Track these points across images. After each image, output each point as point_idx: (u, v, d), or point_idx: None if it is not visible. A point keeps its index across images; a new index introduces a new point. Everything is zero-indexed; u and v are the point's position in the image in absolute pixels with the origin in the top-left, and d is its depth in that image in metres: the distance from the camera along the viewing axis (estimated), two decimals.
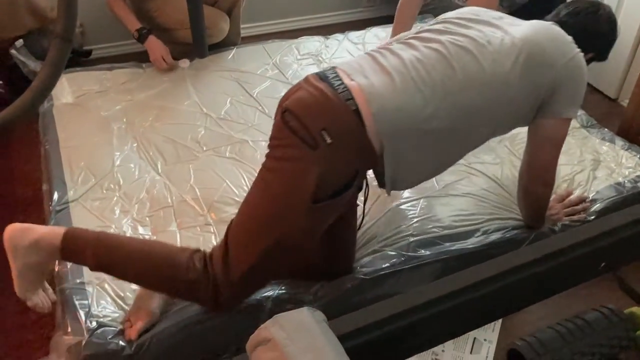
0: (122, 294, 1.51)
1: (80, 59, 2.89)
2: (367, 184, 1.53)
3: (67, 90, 2.37)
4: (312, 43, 2.78)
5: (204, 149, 2.07)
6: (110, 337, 1.39)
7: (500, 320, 1.73)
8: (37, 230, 1.34)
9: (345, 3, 3.57)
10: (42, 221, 1.82)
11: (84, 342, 1.37)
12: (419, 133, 1.33)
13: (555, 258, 1.31)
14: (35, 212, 2.02)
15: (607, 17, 1.68)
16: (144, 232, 1.71)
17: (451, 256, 1.67)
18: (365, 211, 1.64)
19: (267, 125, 2.19)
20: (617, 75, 2.86)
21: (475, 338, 1.67)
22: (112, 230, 1.70)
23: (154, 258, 1.37)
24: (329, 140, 1.26)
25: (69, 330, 1.41)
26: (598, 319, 1.51)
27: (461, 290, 1.22)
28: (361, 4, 3.61)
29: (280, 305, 1.49)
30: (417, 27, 2.91)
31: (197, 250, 1.38)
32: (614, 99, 2.90)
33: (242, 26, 2.92)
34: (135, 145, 2.07)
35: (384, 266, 1.61)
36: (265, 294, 1.51)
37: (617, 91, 2.90)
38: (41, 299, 1.41)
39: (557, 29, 1.51)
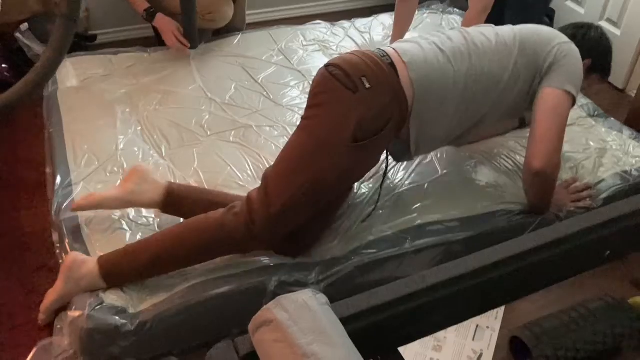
0: None
1: (85, 44, 2.87)
2: (387, 164, 1.67)
3: (71, 74, 2.37)
4: (318, 30, 2.76)
5: (208, 133, 2.07)
6: (112, 313, 1.40)
7: (503, 308, 1.72)
8: (85, 270, 1.46)
9: None
10: (46, 204, 1.83)
11: (85, 315, 1.38)
12: (442, 86, 1.54)
13: (560, 245, 1.31)
14: (40, 194, 2.02)
15: (595, 29, 1.89)
16: (147, 215, 1.72)
17: (455, 241, 1.67)
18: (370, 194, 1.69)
19: (271, 111, 2.19)
20: (625, 66, 2.83)
21: (477, 325, 1.67)
22: (117, 213, 1.70)
23: (187, 235, 1.48)
24: (367, 85, 1.45)
25: (74, 306, 1.43)
26: (601, 307, 1.50)
27: (464, 276, 1.21)
28: None
29: (283, 288, 1.49)
30: (422, 13, 2.91)
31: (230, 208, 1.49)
32: (621, 89, 2.88)
33: (247, 12, 2.90)
34: (139, 129, 2.07)
35: (387, 249, 1.62)
36: (268, 276, 1.52)
37: (625, 82, 2.87)
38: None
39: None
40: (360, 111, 1.44)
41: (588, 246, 1.34)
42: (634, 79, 2.83)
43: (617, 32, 2.84)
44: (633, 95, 2.78)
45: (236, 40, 2.64)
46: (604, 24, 2.91)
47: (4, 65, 2.58)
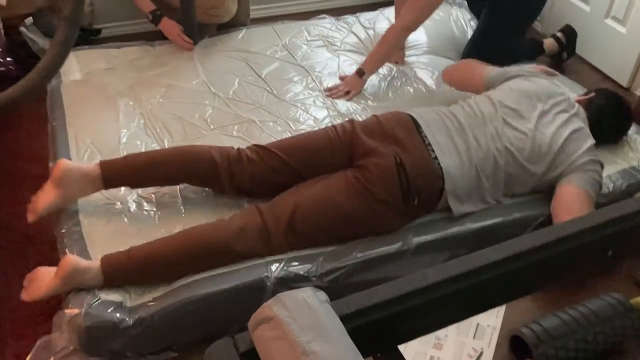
0: None
1: (89, 38, 2.87)
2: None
3: (75, 67, 2.37)
4: (322, 25, 2.76)
5: (212, 127, 2.07)
6: (109, 309, 1.41)
7: (504, 306, 1.72)
8: (87, 274, 1.47)
9: None
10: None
11: (82, 313, 1.38)
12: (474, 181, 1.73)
13: (562, 244, 1.30)
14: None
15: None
16: (149, 209, 1.72)
17: (455, 237, 1.68)
18: None
19: (275, 106, 2.19)
20: (630, 64, 2.82)
21: (478, 323, 1.67)
22: (117, 206, 1.71)
23: (195, 250, 1.52)
24: (416, 203, 1.65)
25: (70, 304, 1.43)
26: (603, 307, 1.50)
27: (465, 274, 1.21)
28: None
29: (282, 284, 1.49)
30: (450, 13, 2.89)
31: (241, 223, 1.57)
32: (626, 87, 2.87)
33: (252, 7, 2.89)
34: (142, 122, 2.07)
35: (387, 247, 1.63)
36: (268, 273, 1.52)
37: (630, 80, 2.85)
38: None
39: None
40: (401, 219, 1.69)
41: (590, 245, 1.33)
42: (639, 78, 2.81)
43: (623, 29, 2.82)
44: (638, 93, 2.77)
45: (240, 35, 2.64)
46: (609, 22, 2.90)
47: (8, 59, 2.58)
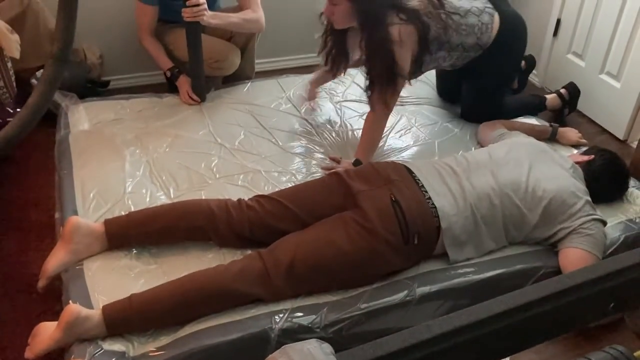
0: None
1: (98, 90, 2.95)
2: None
3: (84, 118, 2.43)
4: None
5: (217, 176, 2.10)
6: (112, 359, 1.40)
7: (508, 359, 1.71)
8: (88, 322, 1.47)
9: None
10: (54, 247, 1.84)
11: None
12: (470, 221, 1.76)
13: (564, 297, 1.31)
14: (49, 237, 2.05)
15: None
16: (151, 258, 1.74)
17: (458, 288, 1.69)
18: None
19: (279, 157, 2.23)
20: (625, 118, 2.88)
21: None
22: (120, 255, 1.72)
23: (194, 293, 1.54)
24: (416, 242, 1.67)
25: (73, 355, 1.43)
26: None
27: (469, 326, 1.21)
28: None
29: (286, 336, 1.49)
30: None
31: (241, 266, 1.59)
32: (623, 140, 2.92)
33: (257, 61, 2.97)
34: (148, 170, 2.11)
35: (392, 297, 1.64)
36: (271, 325, 1.52)
37: (627, 133, 2.91)
38: None
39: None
40: (403, 260, 1.70)
41: (592, 298, 1.34)
42: (634, 130, 2.87)
43: (617, 85, 2.90)
44: (634, 146, 2.81)
45: (246, 88, 2.71)
46: (604, 77, 2.98)
47: (18, 110, 2.64)
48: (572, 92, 2.82)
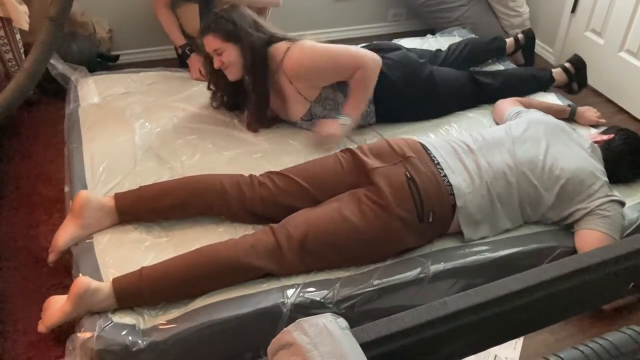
0: None
1: (107, 64, 2.92)
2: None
3: (93, 92, 2.40)
4: None
5: (227, 151, 2.07)
6: (122, 332, 1.40)
7: (522, 338, 1.70)
8: (98, 294, 1.46)
9: (371, 17, 3.58)
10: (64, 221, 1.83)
11: (95, 337, 1.37)
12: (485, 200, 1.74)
13: (581, 275, 1.28)
14: (58, 211, 2.04)
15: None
16: (162, 231, 1.72)
17: (473, 266, 1.67)
18: None
19: (289, 132, 2.19)
20: None
21: (496, 355, 1.64)
22: (130, 228, 1.71)
23: (205, 267, 1.52)
24: (431, 220, 1.65)
25: (83, 328, 1.43)
26: (624, 340, 1.47)
27: (485, 304, 1.19)
28: (387, 18, 3.62)
29: (298, 311, 1.48)
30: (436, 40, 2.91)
31: (251, 242, 1.57)
32: None
33: None
34: (157, 144, 2.08)
35: (405, 274, 1.62)
36: (283, 299, 1.50)
37: None
38: None
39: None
40: (417, 238, 1.68)
41: (611, 277, 1.31)
42: None
43: (637, 63, 2.83)
44: None
45: None
46: (623, 55, 2.91)
47: None
48: (577, 65, 2.68)
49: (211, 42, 2.03)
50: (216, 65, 2.06)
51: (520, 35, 2.86)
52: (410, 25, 3.63)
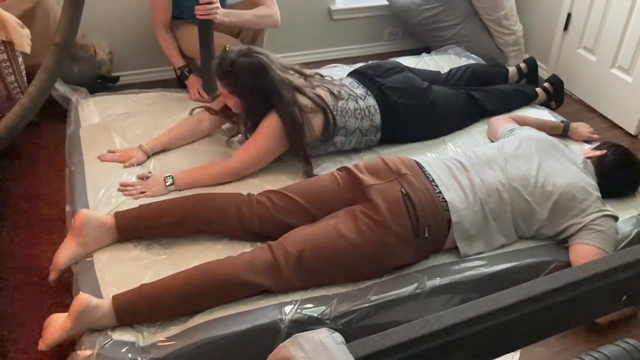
0: None
1: (108, 85, 2.96)
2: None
3: (94, 113, 2.44)
4: (334, 72, 2.80)
5: None
6: (122, 349, 1.41)
7: (518, 352, 1.70)
8: (98, 311, 1.47)
9: (366, 36, 3.64)
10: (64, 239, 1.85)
11: (95, 354, 1.38)
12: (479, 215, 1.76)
13: (575, 289, 1.30)
14: (59, 231, 2.06)
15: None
16: (161, 249, 1.74)
17: (469, 281, 1.69)
18: None
19: (286, 153, 2.21)
20: (637, 112, 2.86)
21: None
22: (130, 246, 1.73)
23: (204, 284, 1.53)
24: (427, 235, 1.67)
25: (83, 345, 1.44)
26: (619, 354, 1.48)
27: (480, 318, 1.21)
28: (382, 37, 3.67)
29: (296, 327, 1.49)
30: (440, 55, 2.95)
31: (249, 258, 1.59)
32: (634, 135, 2.90)
33: None
34: (158, 165, 2.11)
35: (401, 289, 1.64)
36: (281, 315, 1.52)
37: (638, 128, 2.89)
38: None
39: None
40: (413, 253, 1.70)
41: (604, 290, 1.33)
42: None
43: (629, 79, 2.88)
44: None
45: None
46: (615, 71, 2.95)
47: None
48: (555, 85, 2.78)
49: (219, 86, 2.09)
50: (222, 96, 2.13)
51: (522, 65, 2.89)
52: (405, 44, 3.68)
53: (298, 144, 2.04)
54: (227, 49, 2.05)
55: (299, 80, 2.12)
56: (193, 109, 2.28)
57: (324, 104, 2.07)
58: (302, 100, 2.05)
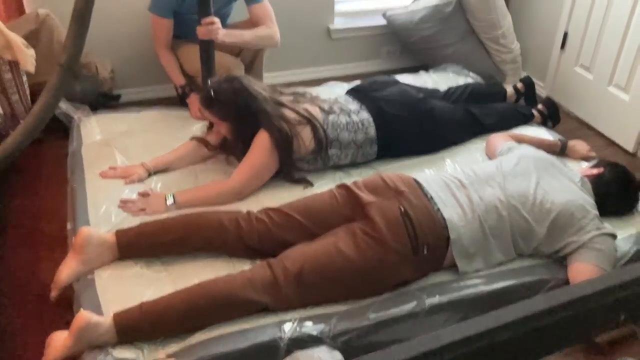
0: None
1: (109, 103, 2.98)
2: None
3: (96, 130, 2.46)
4: (333, 91, 2.83)
5: None
6: None
7: None
8: (99, 329, 1.49)
9: (365, 54, 3.68)
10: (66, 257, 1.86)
11: None
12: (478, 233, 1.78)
13: (574, 307, 1.30)
14: (60, 248, 2.06)
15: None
16: (162, 267, 1.75)
17: (468, 299, 1.70)
18: None
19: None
20: (635, 130, 2.88)
21: None
22: (130, 264, 1.74)
23: (204, 302, 1.54)
24: (425, 252, 1.68)
25: None
26: None
27: (479, 336, 1.21)
28: (381, 55, 3.71)
29: (295, 345, 1.50)
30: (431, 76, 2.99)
31: (249, 275, 1.60)
32: (632, 152, 2.92)
33: (265, 74, 3.00)
34: (159, 182, 2.13)
35: (401, 307, 1.65)
36: (280, 334, 1.53)
37: (636, 145, 2.91)
38: None
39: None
40: (412, 271, 1.71)
41: (603, 309, 1.33)
42: None
43: (626, 97, 2.91)
44: None
45: None
46: (612, 89, 2.98)
47: None
48: (549, 107, 2.83)
49: (207, 115, 2.14)
50: (215, 125, 2.19)
51: (519, 85, 2.94)
52: (404, 62, 3.72)
53: (288, 156, 2.08)
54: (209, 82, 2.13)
55: (284, 97, 2.19)
56: (192, 137, 2.31)
57: (310, 116, 2.12)
58: (289, 114, 2.11)
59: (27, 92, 2.45)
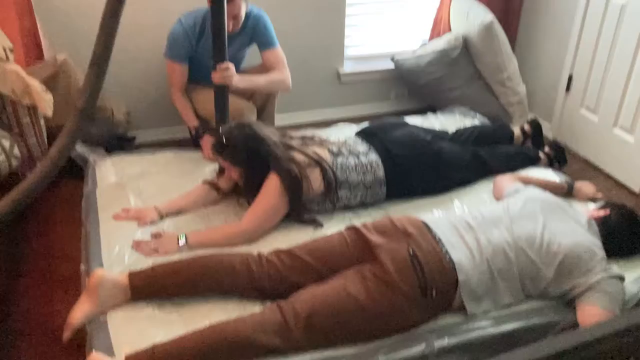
0: None
1: (124, 144, 3.05)
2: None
3: (111, 172, 2.52)
4: (343, 132, 2.87)
5: None
6: None
7: None
8: None
9: (374, 97, 3.75)
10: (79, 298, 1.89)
11: None
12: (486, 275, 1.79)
13: (582, 351, 1.31)
14: (74, 289, 2.09)
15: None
16: (173, 308, 1.77)
17: (476, 342, 1.70)
18: None
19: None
20: None
21: None
22: (143, 305, 1.76)
23: (215, 345, 1.56)
24: (434, 295, 1.69)
25: None
26: None
27: None
28: (389, 98, 3.79)
29: None
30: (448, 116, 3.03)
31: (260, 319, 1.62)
32: (638, 194, 2.93)
33: (276, 115, 3.06)
34: (172, 224, 2.16)
35: (410, 349, 1.65)
36: None
37: None
38: None
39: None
40: (421, 313, 1.72)
41: (611, 352, 1.33)
42: None
43: (631, 138, 2.94)
44: None
45: None
46: (617, 131, 3.02)
47: None
48: (556, 149, 2.87)
49: (219, 160, 2.21)
50: (226, 170, 2.25)
51: (526, 127, 2.98)
52: (412, 104, 3.79)
53: (298, 198, 2.11)
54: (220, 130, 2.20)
55: (293, 141, 2.25)
56: (204, 181, 2.36)
57: (319, 158, 2.17)
58: (298, 156, 2.16)
59: (45, 135, 2.52)
